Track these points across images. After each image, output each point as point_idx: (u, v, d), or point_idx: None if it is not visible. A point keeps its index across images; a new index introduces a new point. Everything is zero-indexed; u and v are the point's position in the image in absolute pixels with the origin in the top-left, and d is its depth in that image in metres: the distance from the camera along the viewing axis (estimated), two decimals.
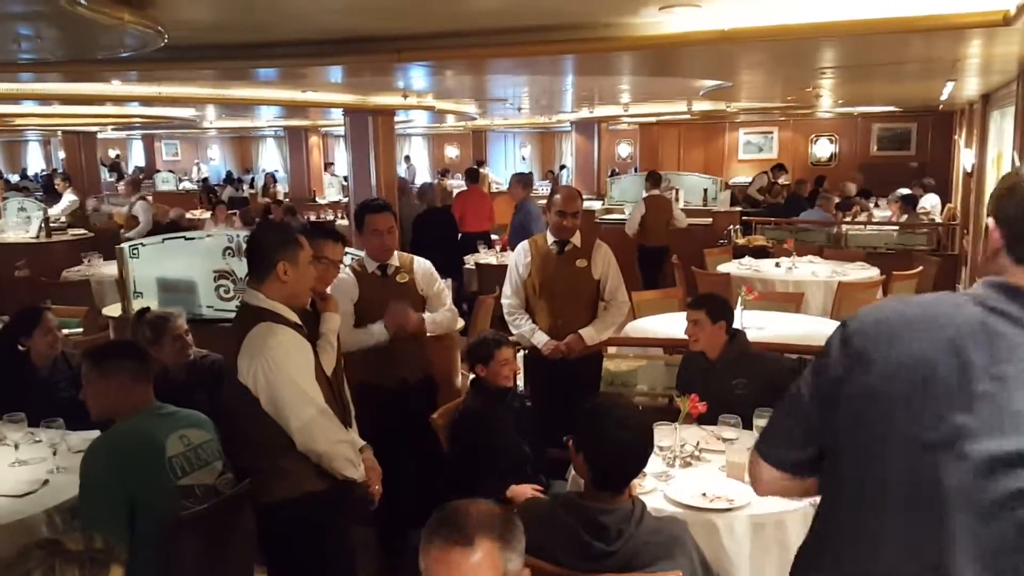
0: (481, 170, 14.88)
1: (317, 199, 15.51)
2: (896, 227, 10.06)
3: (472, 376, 3.62)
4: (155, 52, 3.57)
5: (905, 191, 11.36)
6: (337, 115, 10.22)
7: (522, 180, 8.59)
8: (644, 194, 9.46)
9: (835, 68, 6.56)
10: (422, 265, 3.93)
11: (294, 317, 2.77)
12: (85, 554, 1.68)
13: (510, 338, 3.79)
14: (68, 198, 11.03)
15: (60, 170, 19.98)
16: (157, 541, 2.53)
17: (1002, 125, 7.41)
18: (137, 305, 4.97)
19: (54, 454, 3.18)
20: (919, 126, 15.54)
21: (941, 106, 12.30)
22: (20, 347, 3.84)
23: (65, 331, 4.55)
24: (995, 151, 7.73)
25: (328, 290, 3.49)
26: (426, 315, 3.80)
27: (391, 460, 3.64)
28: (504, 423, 3.44)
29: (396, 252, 3.87)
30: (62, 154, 17.50)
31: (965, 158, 10.33)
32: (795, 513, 2.77)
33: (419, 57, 4.35)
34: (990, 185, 7.81)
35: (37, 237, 9.68)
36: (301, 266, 2.75)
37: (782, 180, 13.29)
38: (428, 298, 3.88)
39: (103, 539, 1.75)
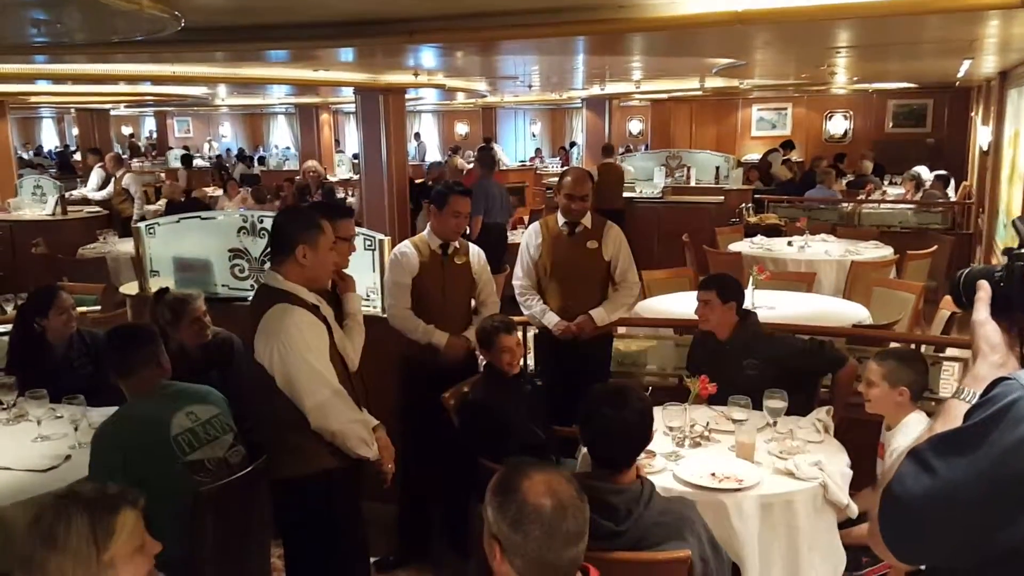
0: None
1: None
2: (910, 205, 10.01)
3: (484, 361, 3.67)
4: (169, 35, 3.59)
5: (921, 168, 11.29)
6: (348, 92, 10.21)
7: (482, 159, 9.04)
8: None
9: (850, 47, 6.51)
10: (476, 251, 4.07)
11: (312, 298, 2.82)
12: (95, 499, 1.75)
13: (517, 319, 3.84)
14: (99, 174, 11.10)
15: (73, 147, 20.11)
16: (174, 517, 2.59)
17: (1019, 103, 7.34)
18: (154, 283, 5.03)
19: (75, 430, 3.25)
20: (935, 102, 15.37)
21: (958, 83, 12.15)
22: (36, 326, 3.90)
23: (82, 308, 4.63)
24: (1012, 129, 7.66)
25: (389, 267, 3.80)
26: (469, 334, 3.90)
27: (428, 436, 3.72)
28: (512, 411, 3.47)
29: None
30: (76, 131, 17.58)
31: (982, 136, 10.23)
32: (804, 494, 2.81)
33: (431, 39, 4.35)
34: (1006, 163, 7.75)
35: (53, 214, 9.76)
36: (321, 250, 2.80)
37: (793, 157, 13.23)
38: (478, 283, 4.01)
39: (117, 486, 1.82)
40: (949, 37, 5.74)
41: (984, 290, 1.39)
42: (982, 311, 1.39)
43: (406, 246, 3.94)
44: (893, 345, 4.53)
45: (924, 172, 11.12)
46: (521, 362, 3.66)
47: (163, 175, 15.63)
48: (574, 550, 1.58)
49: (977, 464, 1.16)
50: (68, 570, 1.66)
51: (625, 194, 11.72)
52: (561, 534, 1.56)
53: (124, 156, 16.58)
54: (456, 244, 3.95)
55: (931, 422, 1.41)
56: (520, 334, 4.25)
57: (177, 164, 18.47)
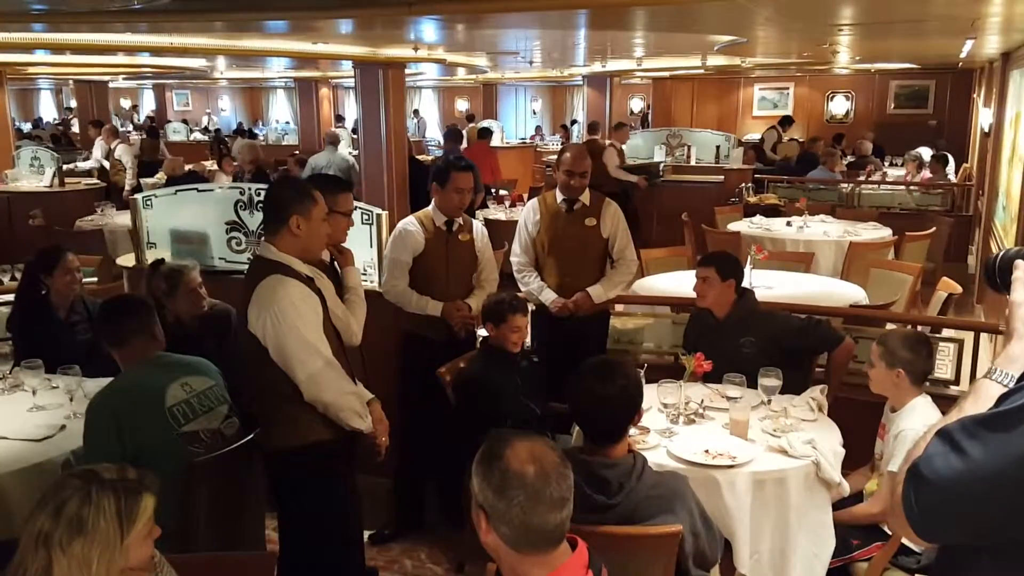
0: (466, 128, 14.70)
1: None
2: (912, 187, 9.98)
3: (482, 336, 3.66)
4: (165, 3, 3.55)
5: (923, 150, 11.24)
6: (348, 66, 10.14)
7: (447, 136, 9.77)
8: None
9: (852, 25, 6.45)
10: (479, 227, 4.06)
11: (305, 270, 2.82)
12: (119, 483, 1.74)
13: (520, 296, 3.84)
14: (101, 146, 11.06)
15: (70, 119, 19.97)
16: (168, 488, 2.60)
17: (1021, 85, 7.29)
18: (151, 255, 5.02)
19: (71, 400, 3.26)
20: (937, 84, 15.30)
21: (960, 64, 12.08)
22: (41, 286, 3.94)
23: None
24: (1013, 111, 7.62)
25: (391, 242, 3.79)
26: (471, 302, 3.90)
27: (426, 410, 3.73)
28: (509, 387, 3.48)
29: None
30: (74, 103, 17.46)
31: (983, 117, 10.19)
32: (796, 471, 2.82)
33: (431, 11, 4.30)
34: (1007, 145, 7.72)
35: (51, 186, 9.71)
36: (314, 221, 2.79)
37: (796, 135, 13.15)
38: (480, 260, 4.00)
39: (135, 469, 1.82)
40: (952, 15, 5.69)
41: (1022, 270, 1.39)
42: (1020, 291, 1.39)
43: (411, 223, 3.91)
44: (890, 326, 4.53)
45: (926, 154, 11.09)
46: None
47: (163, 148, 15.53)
48: (559, 515, 1.59)
49: (1011, 448, 1.16)
50: (93, 555, 1.66)
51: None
52: (545, 499, 1.57)
53: (126, 130, 16.51)
54: (460, 221, 3.94)
55: (960, 401, 1.41)
56: None
57: (177, 137, 18.38)
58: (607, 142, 10.33)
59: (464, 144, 11.51)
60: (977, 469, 1.19)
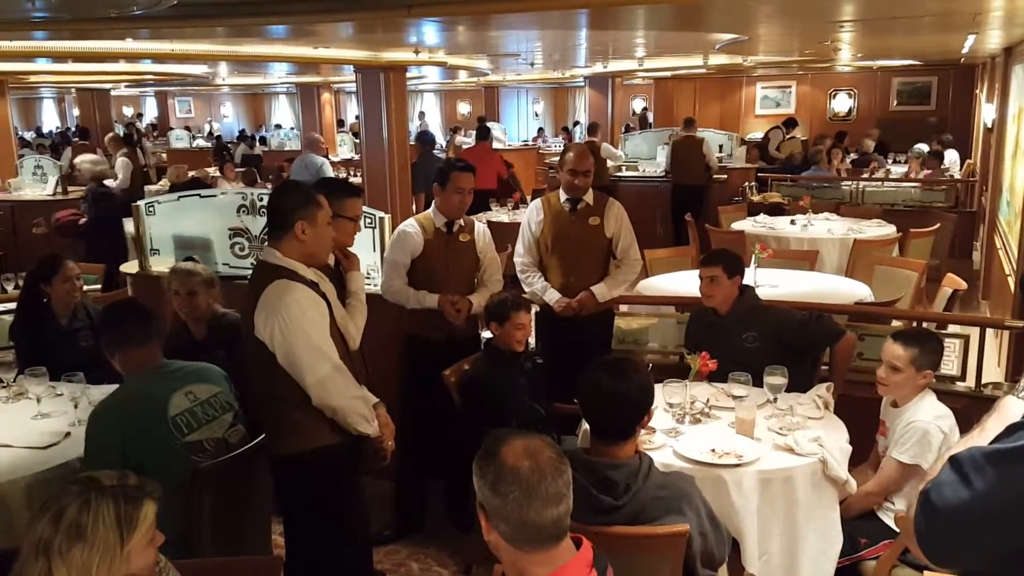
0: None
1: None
2: (916, 183, 9.95)
3: (486, 337, 3.65)
4: (166, 9, 3.55)
5: (923, 147, 11.22)
6: (349, 71, 10.16)
7: (420, 138, 10.09)
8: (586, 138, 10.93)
9: (853, 21, 6.44)
10: (481, 228, 4.05)
11: (310, 275, 2.81)
12: (119, 489, 1.73)
13: (523, 295, 3.83)
14: (68, 155, 11.05)
15: (73, 128, 20.01)
16: (173, 496, 2.59)
17: None
18: (154, 262, 5.04)
19: (75, 407, 3.25)
20: (940, 80, 15.26)
21: (962, 59, 12.04)
22: (42, 295, 3.96)
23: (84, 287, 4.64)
24: (1016, 106, 7.59)
25: (390, 244, 3.80)
26: (473, 299, 3.88)
27: (430, 413, 3.72)
28: (514, 387, 3.48)
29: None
30: (76, 111, 17.51)
31: (986, 113, 10.16)
32: (803, 469, 2.81)
33: (430, 13, 4.29)
34: (1010, 141, 7.69)
35: (54, 194, 9.73)
36: (319, 226, 2.78)
37: (798, 134, 13.13)
38: (483, 261, 3.99)
39: (135, 476, 1.80)
40: (952, 10, 5.68)
41: None
42: None
43: (410, 225, 3.92)
44: (896, 323, 4.52)
45: (924, 150, 11.07)
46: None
47: (164, 155, 15.57)
48: (555, 511, 1.58)
49: (1014, 487, 1.19)
50: (93, 562, 1.65)
51: (628, 173, 11.71)
52: (540, 494, 1.57)
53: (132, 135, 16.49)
54: (461, 222, 3.93)
55: (983, 418, 1.42)
56: None
57: (180, 144, 18.37)
58: (693, 135, 10.78)
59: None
60: (980, 502, 1.21)
